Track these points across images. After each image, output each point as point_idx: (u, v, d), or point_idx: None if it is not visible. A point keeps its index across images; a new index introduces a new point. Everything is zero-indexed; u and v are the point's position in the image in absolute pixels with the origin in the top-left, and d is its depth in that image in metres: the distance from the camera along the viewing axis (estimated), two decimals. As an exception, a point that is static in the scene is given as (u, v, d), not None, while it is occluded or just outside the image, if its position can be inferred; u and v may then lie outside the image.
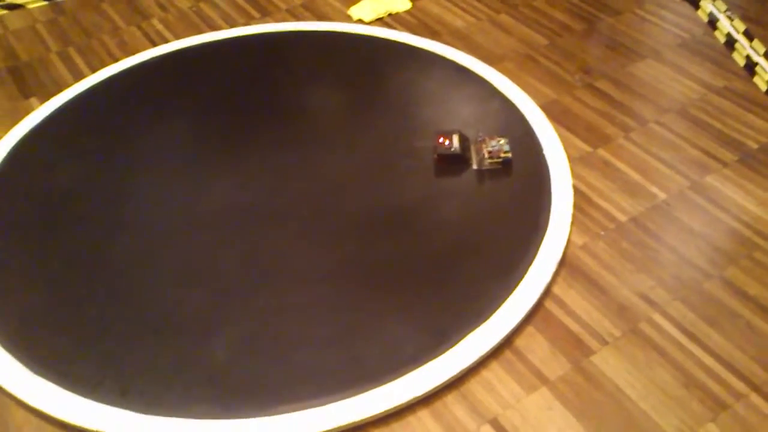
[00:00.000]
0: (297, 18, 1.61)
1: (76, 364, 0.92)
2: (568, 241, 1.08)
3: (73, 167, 1.21)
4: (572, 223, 1.11)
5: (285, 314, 0.97)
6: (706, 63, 1.45)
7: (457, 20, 1.60)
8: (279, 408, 0.86)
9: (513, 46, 1.51)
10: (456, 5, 1.65)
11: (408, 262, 1.04)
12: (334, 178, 1.19)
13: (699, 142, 1.26)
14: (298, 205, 1.14)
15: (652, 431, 0.85)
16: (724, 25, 1.56)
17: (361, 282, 1.02)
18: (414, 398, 0.88)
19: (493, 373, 0.92)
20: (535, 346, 0.94)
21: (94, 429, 0.85)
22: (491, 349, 0.93)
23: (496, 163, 1.19)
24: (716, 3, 1.62)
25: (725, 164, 1.21)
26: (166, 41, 1.54)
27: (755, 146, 1.25)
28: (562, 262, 1.05)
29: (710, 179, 1.18)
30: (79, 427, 0.86)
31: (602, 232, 1.10)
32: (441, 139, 1.21)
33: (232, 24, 1.60)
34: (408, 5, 1.64)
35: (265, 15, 1.63)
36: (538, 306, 0.99)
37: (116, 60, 1.49)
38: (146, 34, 1.57)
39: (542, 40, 1.53)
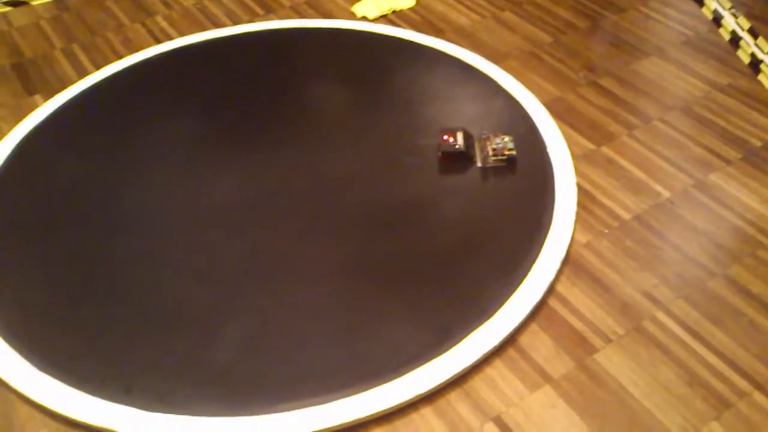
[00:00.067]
0: (301, 15, 1.61)
1: (80, 361, 0.92)
2: (572, 239, 1.08)
3: (77, 164, 1.22)
4: (576, 221, 1.11)
5: (288, 312, 0.98)
6: (711, 60, 1.45)
7: (461, 18, 1.60)
8: (282, 405, 0.86)
9: (517, 44, 1.51)
10: (460, 2, 1.64)
11: (411, 259, 1.04)
12: (337, 175, 1.19)
13: (703, 140, 1.25)
14: (302, 202, 1.14)
15: (655, 429, 0.85)
16: (729, 22, 1.55)
17: (364, 280, 1.02)
18: (417, 396, 0.88)
19: (497, 370, 0.92)
20: (539, 344, 0.94)
21: (98, 425, 0.86)
22: (495, 347, 0.93)
23: (501, 160, 1.19)
24: (721, 0, 1.62)
25: (729, 162, 1.21)
26: (170, 38, 1.55)
27: (759, 144, 1.24)
28: (566, 260, 1.05)
29: (714, 177, 1.18)
30: (83, 423, 0.86)
31: (606, 230, 1.10)
32: (445, 137, 1.21)
33: (236, 21, 1.60)
34: (412, 2, 1.64)
35: (269, 12, 1.63)
36: (542, 304, 0.99)
37: (120, 57, 1.49)
38: (150, 32, 1.57)
39: (546, 38, 1.53)
